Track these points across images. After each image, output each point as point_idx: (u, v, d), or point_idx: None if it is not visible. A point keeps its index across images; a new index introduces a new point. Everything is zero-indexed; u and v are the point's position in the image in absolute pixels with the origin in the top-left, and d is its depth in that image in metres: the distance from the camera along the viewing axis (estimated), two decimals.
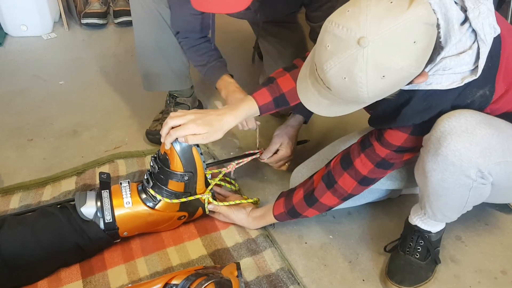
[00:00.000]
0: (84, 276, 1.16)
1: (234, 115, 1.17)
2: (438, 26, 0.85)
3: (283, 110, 1.42)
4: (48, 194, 1.38)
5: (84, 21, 2.24)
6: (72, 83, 1.91)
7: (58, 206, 1.22)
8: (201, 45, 1.48)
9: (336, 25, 0.81)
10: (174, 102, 1.63)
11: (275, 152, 1.42)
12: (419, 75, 0.86)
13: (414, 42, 0.79)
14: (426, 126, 0.98)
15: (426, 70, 0.89)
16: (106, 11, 2.30)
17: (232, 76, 1.47)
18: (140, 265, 1.20)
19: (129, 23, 2.20)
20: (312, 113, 1.41)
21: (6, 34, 2.18)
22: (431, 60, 0.86)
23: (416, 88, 0.93)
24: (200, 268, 1.09)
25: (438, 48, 0.86)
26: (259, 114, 1.21)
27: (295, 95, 1.00)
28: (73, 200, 1.19)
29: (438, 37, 0.85)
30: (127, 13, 2.23)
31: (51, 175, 1.45)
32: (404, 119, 0.99)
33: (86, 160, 1.51)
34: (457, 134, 0.91)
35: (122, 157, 1.51)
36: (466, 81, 0.91)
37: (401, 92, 0.92)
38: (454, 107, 0.96)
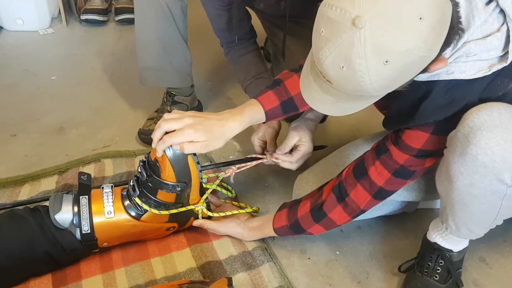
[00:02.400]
0: (55, 286, 1.03)
1: (238, 121, 1.03)
2: (455, 3, 0.73)
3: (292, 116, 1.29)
4: (25, 194, 1.26)
5: (84, 17, 2.14)
6: (64, 79, 1.80)
7: (32, 207, 1.08)
8: (240, 57, 1.41)
9: (329, 7, 0.70)
10: (171, 101, 1.51)
11: (292, 150, 1.23)
12: (435, 60, 0.73)
13: (420, 18, 0.66)
14: (450, 124, 0.85)
15: (446, 56, 0.77)
16: (107, 8, 2.21)
17: None
18: (120, 277, 1.06)
19: (130, 21, 2.10)
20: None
21: (1, 27, 2.08)
22: (448, 42, 0.73)
23: (435, 79, 0.81)
24: (185, 283, 0.95)
25: (457, 29, 0.74)
26: (264, 120, 1.08)
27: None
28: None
29: (457, 17, 0.73)
30: (129, 10, 2.14)
31: (30, 173, 1.33)
32: (424, 116, 0.86)
33: (70, 158, 1.39)
34: (489, 129, 0.78)
35: (110, 156, 1.39)
36: (495, 69, 0.79)
37: (418, 84, 0.81)
38: (482, 101, 0.83)
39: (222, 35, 1.41)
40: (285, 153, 1.22)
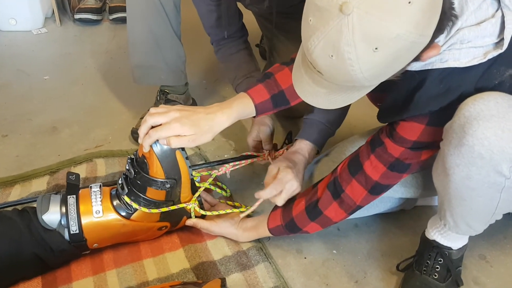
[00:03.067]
0: None
1: (227, 114, 1.00)
2: None
3: (281, 110, 1.26)
4: (16, 195, 1.23)
5: (78, 16, 2.12)
6: (57, 78, 1.78)
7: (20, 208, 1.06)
8: (231, 56, 1.38)
9: None
10: (164, 99, 1.49)
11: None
12: (428, 48, 0.70)
13: (409, 2, 0.64)
14: (446, 114, 0.82)
15: (439, 43, 0.75)
16: (101, 7, 2.18)
17: None
18: (111, 279, 1.04)
19: (124, 20, 2.03)
20: (324, 137, 1.20)
21: None
22: (441, 28, 0.70)
23: (429, 68, 0.79)
24: (177, 284, 0.93)
25: (449, 14, 0.71)
26: (254, 114, 1.05)
27: (295, 92, 0.85)
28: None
29: (450, 2, 0.71)
30: (123, 9, 2.08)
31: (21, 174, 1.30)
32: (419, 106, 0.83)
33: (62, 159, 1.37)
34: (485, 119, 0.75)
35: (102, 156, 1.36)
36: (490, 56, 0.77)
37: (411, 73, 0.79)
38: (478, 90, 0.80)
39: (212, 32, 1.39)
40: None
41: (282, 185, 1.07)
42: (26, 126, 1.52)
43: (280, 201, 1.07)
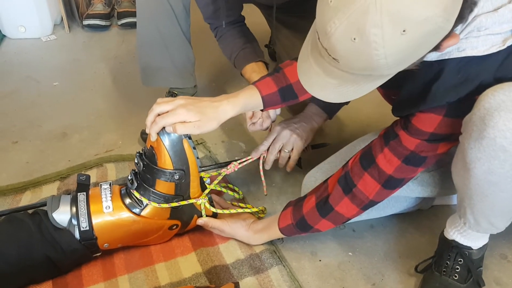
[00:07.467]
0: None
1: (232, 103, 1.00)
2: None
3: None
4: (26, 201, 1.23)
5: (86, 22, 2.12)
6: (67, 84, 1.77)
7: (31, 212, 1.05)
8: (227, 34, 1.39)
9: None
10: None
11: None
12: (447, 36, 0.68)
13: None
14: (464, 105, 0.79)
15: (457, 32, 0.72)
16: (109, 12, 2.19)
17: (263, 62, 1.35)
18: (122, 284, 1.02)
19: (133, 25, 2.09)
20: (337, 106, 1.24)
21: (3, 36, 2.07)
22: (461, 17, 0.67)
23: (446, 57, 0.76)
24: None
25: (470, 2, 0.69)
26: (262, 107, 1.04)
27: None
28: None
29: None
30: (132, 14, 2.12)
31: (31, 180, 1.29)
32: (436, 98, 0.81)
33: (72, 164, 1.36)
34: (507, 110, 0.72)
35: (112, 160, 1.35)
36: (509, 43, 0.74)
37: (429, 64, 0.76)
38: (498, 80, 0.77)
39: (210, 22, 1.41)
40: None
41: (274, 134, 1.21)
42: (35, 132, 1.51)
43: (273, 152, 1.21)
